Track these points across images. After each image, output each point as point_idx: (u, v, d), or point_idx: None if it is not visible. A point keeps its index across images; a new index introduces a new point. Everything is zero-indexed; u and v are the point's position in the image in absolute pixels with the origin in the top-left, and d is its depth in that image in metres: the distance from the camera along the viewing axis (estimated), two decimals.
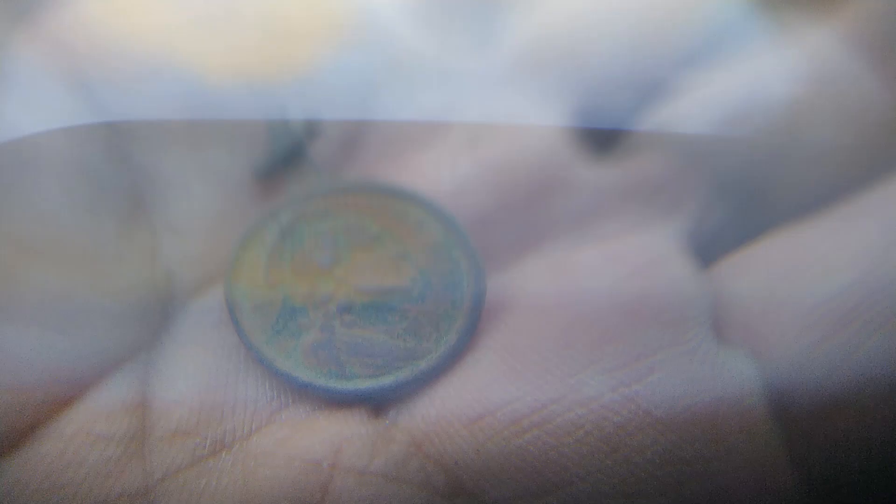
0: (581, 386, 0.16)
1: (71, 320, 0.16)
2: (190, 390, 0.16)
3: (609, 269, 0.18)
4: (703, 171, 0.20)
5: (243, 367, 0.17)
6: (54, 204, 0.17)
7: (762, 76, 0.21)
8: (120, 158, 0.18)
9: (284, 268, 0.18)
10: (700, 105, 0.21)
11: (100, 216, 0.18)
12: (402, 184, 0.19)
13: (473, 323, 0.17)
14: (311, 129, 0.19)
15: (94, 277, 0.17)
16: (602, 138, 0.22)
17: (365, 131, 0.20)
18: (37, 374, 0.16)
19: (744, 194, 0.20)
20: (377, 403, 0.16)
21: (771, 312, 0.17)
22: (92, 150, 0.18)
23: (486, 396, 0.16)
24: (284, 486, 0.15)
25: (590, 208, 0.19)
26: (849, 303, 0.17)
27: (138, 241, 0.18)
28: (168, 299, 0.18)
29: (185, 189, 0.19)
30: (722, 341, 0.17)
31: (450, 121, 0.20)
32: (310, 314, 0.17)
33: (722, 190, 0.20)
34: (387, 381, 0.16)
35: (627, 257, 0.18)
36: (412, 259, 0.18)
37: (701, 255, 0.20)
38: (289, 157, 0.19)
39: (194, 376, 0.16)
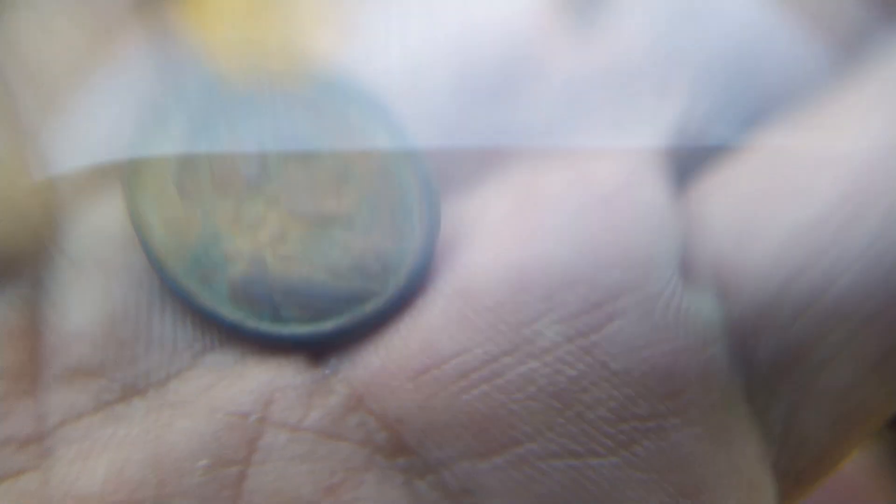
0: (535, 336, 0.15)
1: None
2: (92, 322, 0.14)
3: (574, 196, 0.16)
4: (693, 44, 0.18)
5: (157, 298, 0.15)
6: None
7: None
8: None
9: (201, 175, 0.15)
10: None
11: None
12: (340, 63, 0.16)
13: (424, 263, 0.15)
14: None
15: None
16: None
17: None
18: None
19: (737, 76, 0.18)
20: (315, 350, 0.15)
21: (743, 243, 0.16)
22: None
23: (434, 347, 0.14)
24: (205, 441, 0.14)
25: (565, 101, 0.17)
26: (829, 226, 0.16)
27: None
28: (55, 203, 0.15)
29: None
30: (690, 279, 0.16)
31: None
32: (236, 241, 0.15)
33: (712, 71, 0.18)
34: (327, 326, 0.15)
35: (596, 179, 0.16)
36: (355, 179, 0.15)
37: (685, 155, 0.18)
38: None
39: (97, 305, 0.14)
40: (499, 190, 0.16)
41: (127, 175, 0.15)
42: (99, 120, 0.16)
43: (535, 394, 0.15)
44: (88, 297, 0.14)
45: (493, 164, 0.17)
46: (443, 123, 0.17)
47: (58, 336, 0.14)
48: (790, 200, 0.16)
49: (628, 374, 0.15)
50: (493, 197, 0.16)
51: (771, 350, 0.16)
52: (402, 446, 0.14)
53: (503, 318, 0.15)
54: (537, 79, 0.17)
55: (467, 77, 0.17)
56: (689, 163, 0.18)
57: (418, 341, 0.15)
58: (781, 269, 0.16)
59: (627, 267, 0.15)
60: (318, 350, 0.15)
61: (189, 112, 0.15)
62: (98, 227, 0.15)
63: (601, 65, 0.18)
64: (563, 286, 0.15)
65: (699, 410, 0.15)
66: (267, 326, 0.15)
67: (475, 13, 0.17)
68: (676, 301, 0.16)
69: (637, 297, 0.15)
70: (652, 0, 0.18)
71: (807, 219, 0.16)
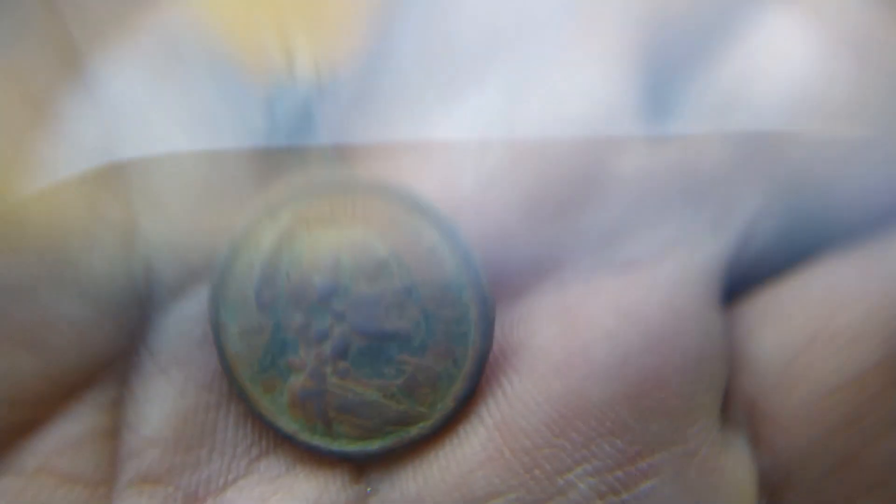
0: (568, 488, 0.15)
1: (34, 331, 0.15)
2: (166, 424, 0.15)
3: (624, 334, 0.16)
4: (763, 165, 0.17)
5: (225, 402, 0.16)
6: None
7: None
8: (87, 90, 0.16)
9: (278, 287, 0.16)
10: (767, 79, 0.18)
11: (66, 177, 0.15)
12: (418, 192, 0.17)
13: (472, 389, 0.16)
14: (323, 89, 0.17)
15: (61, 269, 0.15)
16: (653, 113, 0.19)
17: (381, 98, 0.17)
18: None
19: (805, 200, 0.17)
20: (360, 463, 0.16)
21: (782, 389, 0.16)
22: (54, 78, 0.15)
23: (469, 485, 0.15)
24: None
25: (625, 216, 0.17)
26: (873, 386, 0.15)
27: (111, 215, 0.16)
28: (146, 299, 0.16)
29: (165, 143, 0.16)
30: (726, 420, 0.16)
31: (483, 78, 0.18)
32: (301, 352, 0.16)
33: (781, 193, 0.17)
34: (374, 445, 0.16)
35: (647, 313, 0.16)
36: (417, 297, 0.16)
37: (743, 273, 0.18)
38: (294, 124, 0.17)
39: (172, 406, 0.16)
40: (550, 310, 0.17)
41: (214, 281, 0.16)
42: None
43: None
44: (166, 397, 0.16)
45: (549, 275, 0.17)
46: (508, 236, 0.17)
47: (136, 439, 0.15)
48: (838, 348, 0.16)
49: None
50: (544, 318, 0.16)
51: None
52: None
53: (539, 462, 0.15)
54: (602, 187, 0.17)
55: (536, 191, 0.17)
56: (745, 280, 0.18)
57: (455, 476, 0.15)
58: (818, 424, 0.16)
59: (668, 418, 0.15)
60: (364, 465, 0.16)
61: (277, 226, 0.16)
62: (182, 326, 0.16)
63: (667, 173, 0.17)
64: (601, 434, 0.15)
65: None
66: (318, 440, 0.16)
67: (548, 119, 0.17)
68: (713, 459, 0.15)
69: (674, 454, 0.15)
70: (725, 110, 0.18)
71: (852, 374, 0.15)
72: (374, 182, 0.16)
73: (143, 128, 0.16)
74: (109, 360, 0.16)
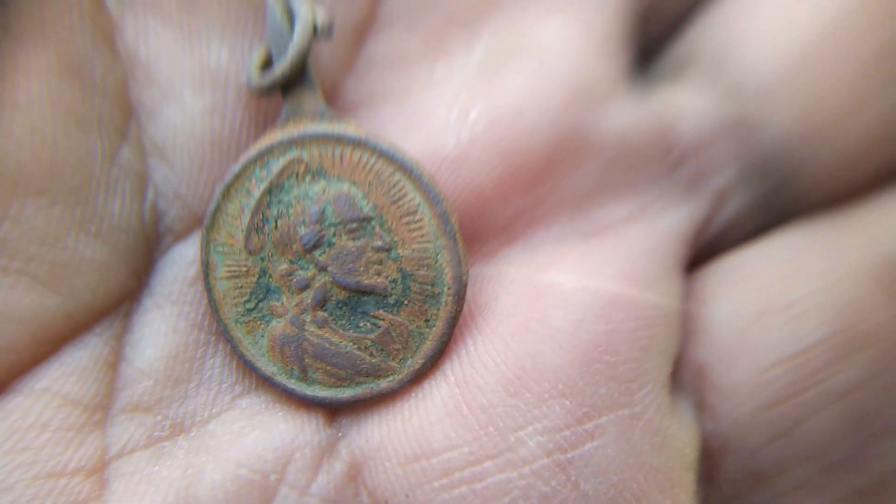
0: (518, 445, 0.16)
1: (59, 272, 0.16)
2: (158, 359, 0.17)
3: (581, 300, 0.16)
4: (739, 140, 0.18)
5: (213, 341, 0.17)
6: (42, 111, 0.16)
7: None
8: (104, 40, 0.16)
9: (266, 233, 0.17)
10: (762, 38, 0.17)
11: (89, 129, 0.16)
12: (404, 150, 0.17)
13: (441, 348, 0.17)
14: (323, 27, 0.17)
15: (84, 213, 0.16)
16: (641, 55, 0.19)
17: (375, 42, 0.17)
18: (19, 330, 0.16)
19: (773, 181, 0.18)
20: (332, 409, 0.17)
21: (730, 359, 0.16)
22: (74, 27, 0.16)
23: (427, 437, 0.16)
24: (228, 497, 0.16)
25: (599, 181, 0.17)
26: (816, 362, 0.16)
27: (126, 164, 0.17)
28: (154, 241, 0.17)
29: (177, 95, 0.17)
30: (675, 383, 0.17)
31: (473, 34, 0.18)
32: (284, 298, 0.17)
33: (751, 171, 0.18)
34: (345, 393, 0.17)
35: (606, 278, 0.17)
36: (396, 254, 0.17)
37: (703, 246, 0.18)
38: (289, 63, 0.17)
39: (164, 342, 0.17)
40: (517, 273, 0.17)
41: (206, 223, 0.17)
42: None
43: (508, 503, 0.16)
44: (160, 333, 0.17)
45: (520, 238, 0.17)
46: (484, 197, 0.17)
47: (131, 371, 0.17)
48: (787, 321, 0.16)
49: (597, 497, 0.16)
50: (510, 281, 0.17)
51: (735, 472, 0.16)
52: None
53: (493, 420, 0.16)
54: (578, 152, 0.17)
55: (513, 154, 0.17)
56: (711, 249, 0.18)
57: (414, 427, 0.16)
58: (760, 395, 0.16)
59: (617, 381, 0.16)
60: (335, 410, 0.17)
61: (267, 174, 0.17)
62: (178, 267, 0.17)
63: (644, 138, 0.18)
64: (553, 396, 0.16)
65: None
66: (294, 384, 0.17)
67: (529, 82, 0.17)
68: (657, 422, 0.16)
69: (620, 416, 0.16)
70: (712, 69, 0.18)
71: (797, 348, 0.16)
72: (363, 137, 0.17)
73: (158, 79, 0.17)
74: (120, 300, 0.17)
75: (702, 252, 0.18)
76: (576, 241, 0.17)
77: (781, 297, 0.16)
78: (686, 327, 0.17)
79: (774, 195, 0.18)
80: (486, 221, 0.17)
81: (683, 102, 0.18)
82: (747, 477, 0.16)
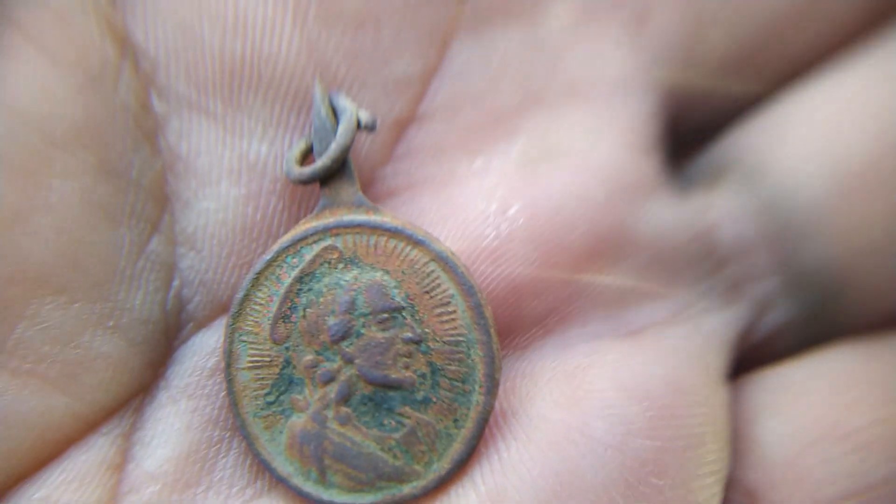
0: None
1: (71, 371, 0.15)
2: (169, 460, 0.15)
3: (621, 413, 0.15)
4: (782, 251, 0.17)
5: (227, 438, 0.16)
6: (72, 210, 0.15)
7: None
8: (147, 139, 0.16)
9: (294, 321, 0.16)
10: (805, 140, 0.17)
11: (119, 223, 0.16)
12: (440, 240, 0.16)
13: (470, 452, 0.15)
14: (367, 124, 0.16)
15: (104, 308, 0.15)
16: (680, 162, 0.19)
17: (415, 134, 0.17)
18: (23, 436, 0.15)
19: (817, 295, 0.17)
20: None
21: (785, 485, 0.15)
22: (118, 130, 0.16)
23: None
24: None
25: (637, 280, 0.17)
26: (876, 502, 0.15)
27: (154, 255, 0.16)
28: (175, 330, 0.16)
29: (213, 186, 0.16)
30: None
31: (512, 131, 0.17)
32: (307, 391, 0.16)
33: (795, 283, 0.17)
34: (365, 499, 0.15)
35: (648, 389, 0.15)
36: (426, 349, 0.16)
37: (745, 355, 0.17)
38: (331, 159, 0.16)
39: (178, 441, 0.16)
40: (552, 372, 0.16)
41: (232, 312, 0.16)
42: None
43: None
44: (173, 430, 0.16)
45: (555, 334, 0.16)
46: (519, 291, 0.16)
47: (138, 473, 0.15)
48: (845, 454, 0.15)
49: None
50: (545, 381, 0.16)
51: None
52: None
53: None
54: (618, 249, 0.17)
55: (551, 249, 0.16)
56: (753, 358, 0.17)
57: None
58: None
59: None
60: None
61: (299, 262, 0.16)
62: (198, 358, 0.16)
63: (684, 240, 0.17)
64: None
65: None
66: (311, 487, 0.15)
67: (569, 179, 0.17)
68: None
69: None
70: (753, 177, 0.17)
71: (858, 485, 0.15)
72: (398, 226, 0.16)
73: (196, 171, 0.16)
74: (133, 394, 0.16)
75: (744, 362, 0.17)
76: (612, 341, 0.16)
77: (839, 425, 0.15)
78: (735, 447, 0.16)
79: (820, 309, 0.17)
80: (521, 314, 0.16)
81: (723, 207, 0.17)
82: None
